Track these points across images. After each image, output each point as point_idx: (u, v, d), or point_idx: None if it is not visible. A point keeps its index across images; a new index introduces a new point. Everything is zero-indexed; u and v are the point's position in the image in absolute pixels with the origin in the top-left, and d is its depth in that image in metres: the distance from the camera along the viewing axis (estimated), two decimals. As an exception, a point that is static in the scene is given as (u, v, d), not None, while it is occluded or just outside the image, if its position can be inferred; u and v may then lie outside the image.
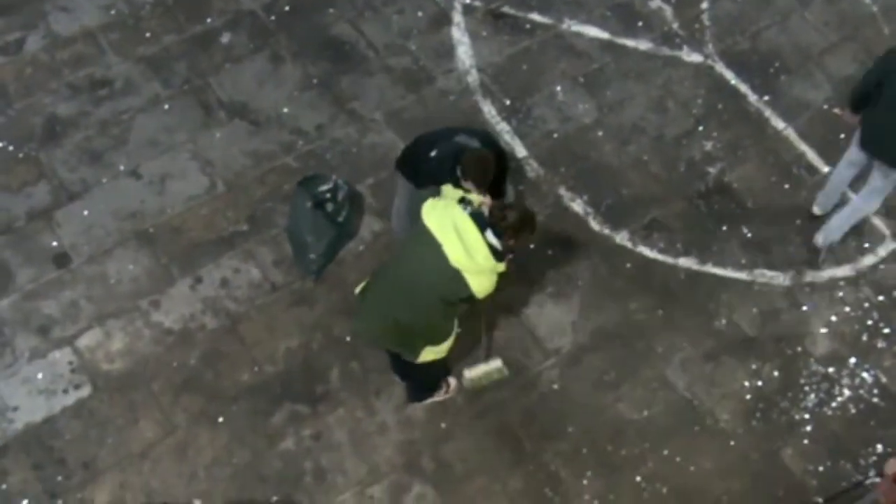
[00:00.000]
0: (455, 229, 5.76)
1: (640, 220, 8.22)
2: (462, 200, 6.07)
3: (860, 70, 9.14)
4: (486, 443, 7.14)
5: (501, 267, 5.86)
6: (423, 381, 7.08)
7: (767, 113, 8.92)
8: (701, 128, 8.78)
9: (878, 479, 6.69)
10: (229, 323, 7.45)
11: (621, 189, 8.36)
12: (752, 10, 9.59)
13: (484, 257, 5.75)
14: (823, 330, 7.84)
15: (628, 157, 8.56)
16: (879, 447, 7.36)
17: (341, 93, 8.67)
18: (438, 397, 7.23)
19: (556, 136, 8.59)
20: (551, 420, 7.28)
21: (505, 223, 5.78)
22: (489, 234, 5.76)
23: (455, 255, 5.73)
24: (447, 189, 6.62)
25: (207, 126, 8.37)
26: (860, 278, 8.12)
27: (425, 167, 6.88)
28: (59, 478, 6.79)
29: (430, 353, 6.38)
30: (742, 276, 8.01)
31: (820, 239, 8.11)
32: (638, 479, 7.09)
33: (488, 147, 6.82)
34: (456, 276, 5.77)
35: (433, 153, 6.84)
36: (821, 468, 7.23)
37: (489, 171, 6.60)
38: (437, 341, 6.34)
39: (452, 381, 7.30)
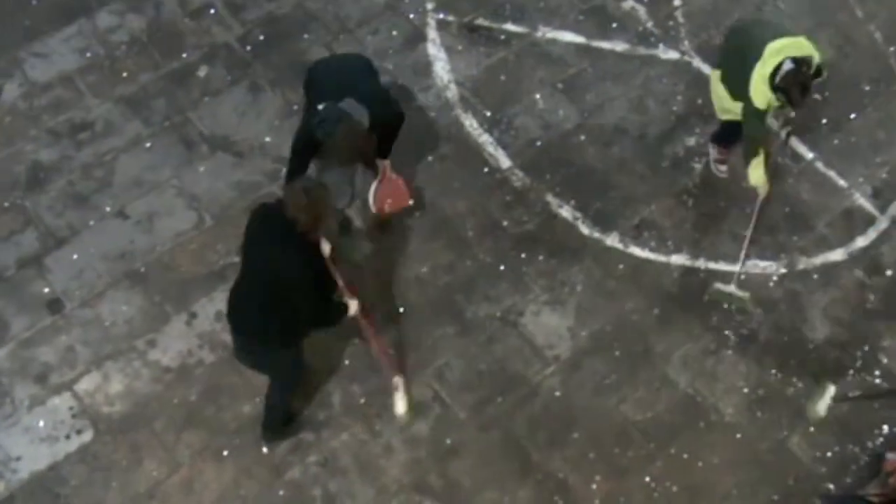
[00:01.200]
0: None
1: (630, 220, 8.23)
2: None
3: (838, 55, 9.21)
4: (492, 456, 7.14)
5: None
6: None
7: (748, 104, 8.93)
8: (683, 124, 8.78)
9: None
10: (227, 356, 7.38)
11: (608, 191, 8.37)
12: (725, 3, 9.59)
13: None
14: (820, 315, 7.85)
15: (612, 159, 8.57)
16: (885, 428, 7.37)
17: (322, 118, 8.66)
18: None
19: (539, 144, 8.59)
20: (556, 427, 7.28)
21: None
22: None
23: None
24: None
25: (191, 161, 8.35)
26: (853, 261, 8.14)
27: (308, 114, 7.21)
28: (68, 524, 6.79)
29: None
30: (735, 268, 7.99)
31: None
32: (647, 479, 7.09)
33: (382, 116, 7.21)
34: None
35: (320, 106, 7.05)
36: (829, 454, 7.25)
37: (356, 148, 7.11)
38: None
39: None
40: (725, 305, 7.87)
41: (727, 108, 7.84)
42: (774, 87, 7.20)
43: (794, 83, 7.12)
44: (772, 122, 7.69)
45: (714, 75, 7.94)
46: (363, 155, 7.17)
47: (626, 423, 7.33)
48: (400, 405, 7.05)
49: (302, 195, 5.83)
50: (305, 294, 5.94)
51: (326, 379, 7.36)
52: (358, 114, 6.94)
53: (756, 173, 7.68)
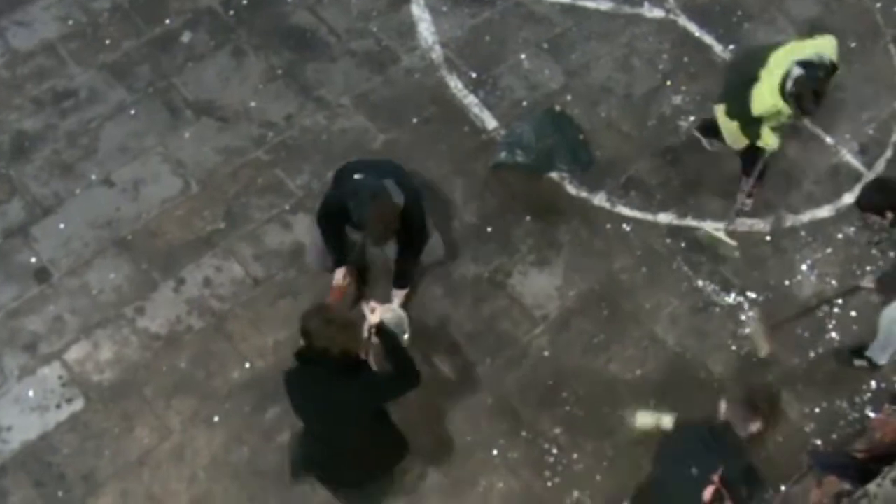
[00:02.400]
0: None
1: (617, 179, 8.22)
2: None
3: (823, 12, 9.21)
4: (482, 417, 7.16)
5: None
6: None
7: (734, 61, 8.92)
8: (669, 82, 8.78)
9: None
10: (216, 322, 7.43)
11: (595, 151, 8.35)
12: (710, -41, 9.57)
13: None
14: (808, 271, 7.88)
15: (599, 118, 8.55)
16: (873, 383, 7.40)
17: (307, 81, 8.64)
18: None
19: (525, 104, 8.56)
20: (545, 388, 7.30)
21: None
22: None
23: None
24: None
25: (175, 127, 8.32)
26: (840, 217, 8.14)
27: (343, 183, 6.80)
28: (60, 493, 6.77)
29: None
30: (722, 225, 8.00)
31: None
32: (636, 437, 7.11)
33: (410, 205, 6.72)
34: None
35: (357, 175, 6.74)
36: (817, 409, 7.27)
37: (388, 227, 6.57)
38: None
39: None
40: (717, 249, 7.92)
41: (738, 137, 7.53)
42: (787, 96, 6.89)
43: (806, 88, 6.79)
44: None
45: (719, 111, 7.58)
46: (384, 237, 6.77)
47: (615, 382, 7.34)
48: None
49: (324, 324, 5.51)
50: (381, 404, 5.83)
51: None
52: (396, 194, 6.60)
53: (767, 139, 7.37)
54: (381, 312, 6.00)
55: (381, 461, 6.12)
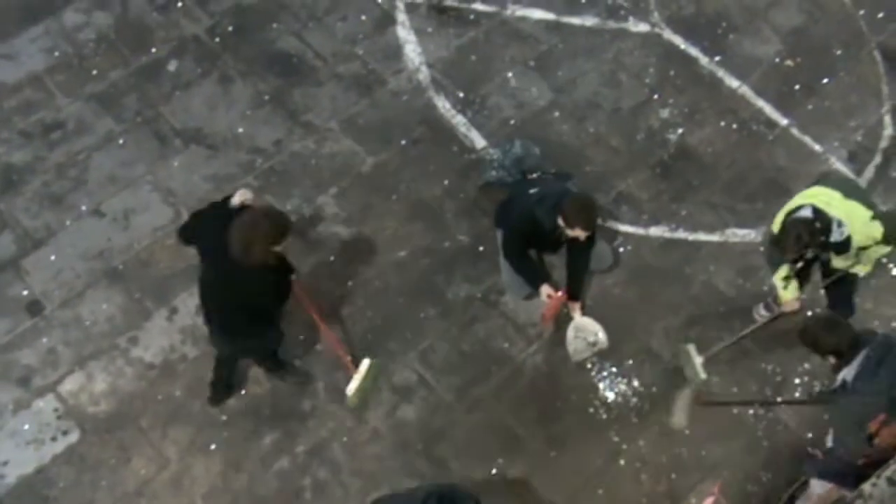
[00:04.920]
0: None
1: (607, 195, 8.22)
2: None
3: (807, 21, 9.22)
4: (479, 436, 7.15)
5: None
6: None
7: (720, 73, 8.94)
8: (656, 96, 8.79)
9: None
10: (210, 349, 7.36)
11: (584, 166, 8.35)
12: (693, -27, 9.61)
13: None
14: (801, 281, 7.86)
15: (587, 134, 8.56)
16: (869, 390, 7.38)
17: (294, 106, 8.64)
18: None
19: (513, 122, 8.57)
20: (541, 405, 7.29)
21: None
22: None
23: None
24: None
25: (164, 156, 8.31)
26: (831, 225, 8.14)
27: (523, 202, 7.32)
28: (58, 526, 6.77)
29: None
30: (714, 237, 8.02)
31: None
32: (636, 451, 7.08)
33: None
34: None
35: (533, 190, 7.33)
36: (814, 418, 7.24)
37: (594, 215, 7.05)
38: None
39: None
40: (683, 368, 7.45)
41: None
42: (783, 226, 6.60)
43: (795, 229, 6.46)
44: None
45: None
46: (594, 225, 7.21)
47: (612, 398, 7.34)
48: (351, 385, 7.13)
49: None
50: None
51: (309, 367, 7.35)
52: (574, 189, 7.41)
53: (783, 294, 7.04)
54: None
55: (243, 329, 6.41)
